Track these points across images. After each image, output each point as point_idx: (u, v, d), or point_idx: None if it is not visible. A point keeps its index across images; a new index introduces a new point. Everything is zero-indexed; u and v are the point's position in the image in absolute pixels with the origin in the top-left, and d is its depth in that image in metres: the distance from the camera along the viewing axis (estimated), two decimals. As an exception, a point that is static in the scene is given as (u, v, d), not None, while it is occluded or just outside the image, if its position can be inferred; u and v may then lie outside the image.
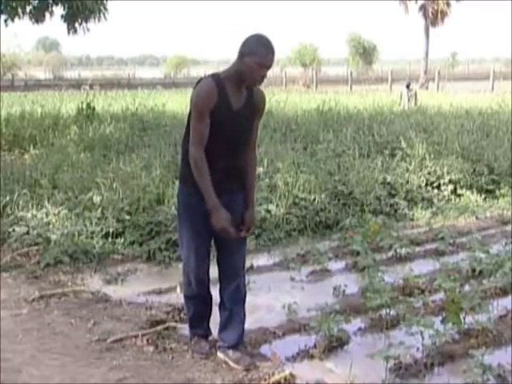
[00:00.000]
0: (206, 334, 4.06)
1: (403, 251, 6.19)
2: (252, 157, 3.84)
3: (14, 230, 6.33)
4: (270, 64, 3.56)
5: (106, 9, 13.52)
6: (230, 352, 3.86)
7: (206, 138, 3.58)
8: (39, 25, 13.53)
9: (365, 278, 5.21)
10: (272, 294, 5.19)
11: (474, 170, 9.17)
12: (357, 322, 4.53)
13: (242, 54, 3.54)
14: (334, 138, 10.84)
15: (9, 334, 4.28)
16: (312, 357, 4.01)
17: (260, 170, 8.31)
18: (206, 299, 3.97)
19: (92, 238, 6.26)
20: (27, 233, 6.28)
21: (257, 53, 3.51)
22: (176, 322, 4.50)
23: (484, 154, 9.78)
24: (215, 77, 3.63)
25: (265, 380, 3.62)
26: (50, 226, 6.41)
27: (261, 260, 6.17)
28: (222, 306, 3.93)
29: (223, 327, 3.93)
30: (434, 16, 42.52)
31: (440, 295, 4.97)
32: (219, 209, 3.56)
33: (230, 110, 3.60)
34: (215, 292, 3.96)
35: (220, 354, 3.90)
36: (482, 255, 5.83)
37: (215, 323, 4.01)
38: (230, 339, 3.89)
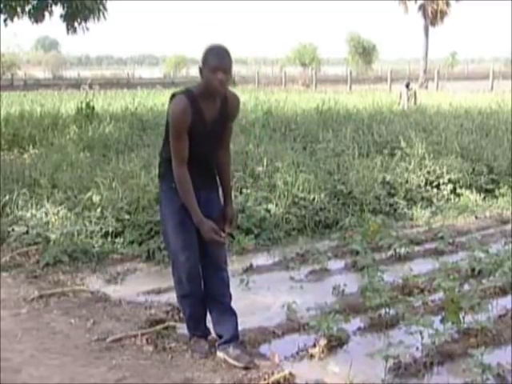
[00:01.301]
0: (205, 334, 4.07)
1: (402, 251, 6.20)
2: (226, 155, 3.96)
3: (13, 230, 6.33)
4: (223, 67, 3.62)
5: (105, 8, 13.53)
6: (230, 350, 3.86)
7: (187, 154, 3.70)
8: (38, 24, 13.54)
9: (364, 278, 5.20)
10: (271, 294, 5.19)
11: (474, 170, 9.17)
12: (356, 322, 4.53)
13: (200, 67, 3.65)
14: (334, 138, 10.84)
15: (8, 333, 4.27)
16: (311, 356, 4.01)
17: (259, 169, 8.32)
18: (201, 297, 3.95)
19: (91, 237, 6.27)
20: (26, 232, 6.29)
21: (208, 61, 3.62)
22: (175, 321, 4.49)
23: (483, 154, 9.77)
24: (189, 93, 3.71)
25: (264, 379, 3.62)
26: (50, 226, 6.41)
27: (260, 259, 6.18)
28: (209, 301, 3.93)
29: (217, 322, 3.95)
30: (433, 15, 42.56)
31: (439, 295, 4.97)
32: (204, 222, 3.69)
33: (204, 123, 3.71)
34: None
35: (220, 353, 3.90)
36: (482, 255, 5.83)
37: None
38: (226, 331, 3.90)
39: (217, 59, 3.62)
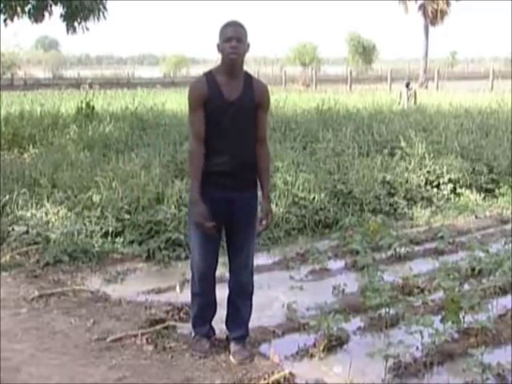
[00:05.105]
0: (209, 335, 4.08)
1: (402, 250, 6.20)
2: (262, 152, 3.84)
3: (13, 229, 6.33)
4: (237, 36, 3.64)
5: (105, 8, 13.50)
6: (232, 344, 3.95)
7: (202, 130, 3.70)
8: (38, 24, 13.51)
9: (364, 277, 5.20)
10: (271, 293, 5.19)
11: (474, 169, 9.18)
12: (356, 321, 4.53)
13: (217, 44, 3.72)
14: (334, 138, 10.84)
15: (8, 333, 4.27)
16: (311, 356, 4.02)
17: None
18: (210, 300, 4.00)
19: (91, 237, 6.26)
20: (27, 232, 6.28)
21: (223, 33, 3.69)
22: (175, 321, 4.50)
23: (483, 153, 9.78)
24: (207, 72, 3.79)
25: (264, 379, 3.62)
26: (50, 225, 6.42)
27: (260, 259, 6.16)
28: (228, 298, 4.00)
29: (228, 320, 4.03)
30: (433, 15, 42.53)
31: (439, 294, 4.97)
32: (197, 204, 3.68)
33: (223, 100, 3.68)
34: (224, 290, 4.01)
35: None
36: (482, 254, 5.83)
37: (221, 321, 4.06)
38: (233, 331, 3.99)
39: (228, 28, 3.67)
